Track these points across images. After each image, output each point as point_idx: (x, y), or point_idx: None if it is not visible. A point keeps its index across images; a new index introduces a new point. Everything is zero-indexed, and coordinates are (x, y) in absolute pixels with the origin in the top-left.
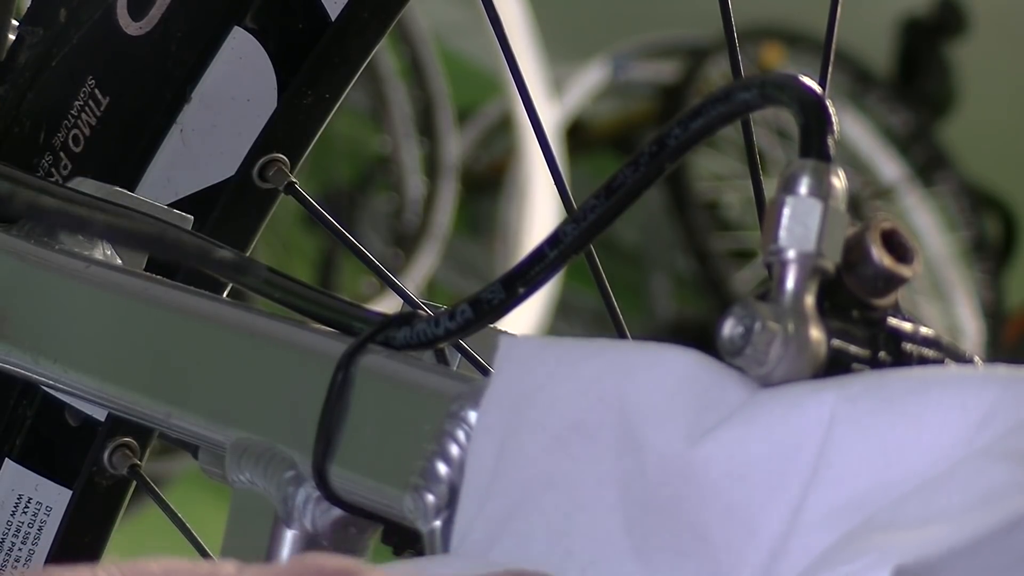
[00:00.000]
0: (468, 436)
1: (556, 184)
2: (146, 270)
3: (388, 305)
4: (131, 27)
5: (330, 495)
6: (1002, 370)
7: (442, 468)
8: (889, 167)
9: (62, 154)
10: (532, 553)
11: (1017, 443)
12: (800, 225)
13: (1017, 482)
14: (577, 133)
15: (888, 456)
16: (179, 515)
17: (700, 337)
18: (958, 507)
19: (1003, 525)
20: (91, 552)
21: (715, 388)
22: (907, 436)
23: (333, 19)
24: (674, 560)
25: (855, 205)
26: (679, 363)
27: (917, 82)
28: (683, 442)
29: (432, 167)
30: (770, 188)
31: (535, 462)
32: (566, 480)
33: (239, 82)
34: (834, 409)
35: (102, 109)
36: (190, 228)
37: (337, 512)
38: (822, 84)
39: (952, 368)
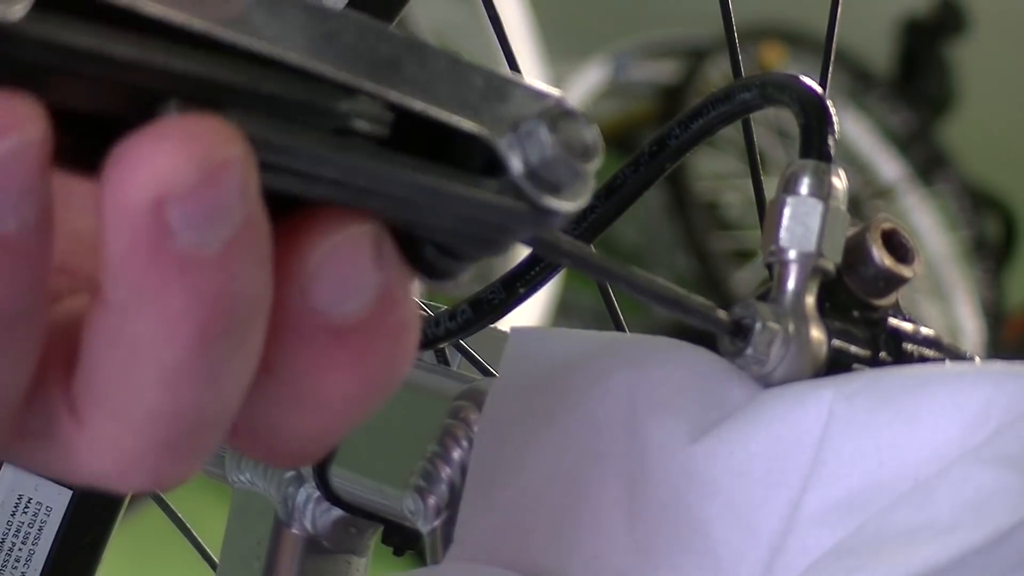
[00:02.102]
0: (469, 436)
1: None
2: None
3: None
4: None
5: (330, 495)
6: (997, 366)
7: (443, 469)
8: (889, 167)
9: None
10: (534, 546)
11: (1007, 445)
12: (801, 225)
13: (1004, 489)
14: None
15: (882, 454)
16: (179, 515)
17: (701, 337)
18: (946, 517)
19: (989, 539)
20: (91, 552)
21: (720, 386)
22: (901, 434)
23: None
24: (675, 556)
25: (855, 205)
26: (689, 360)
27: (917, 82)
28: (686, 438)
29: None
30: (770, 188)
31: (541, 454)
32: (572, 473)
33: None
34: (832, 407)
35: None
36: None
37: (337, 512)
38: (822, 84)
39: (949, 365)
